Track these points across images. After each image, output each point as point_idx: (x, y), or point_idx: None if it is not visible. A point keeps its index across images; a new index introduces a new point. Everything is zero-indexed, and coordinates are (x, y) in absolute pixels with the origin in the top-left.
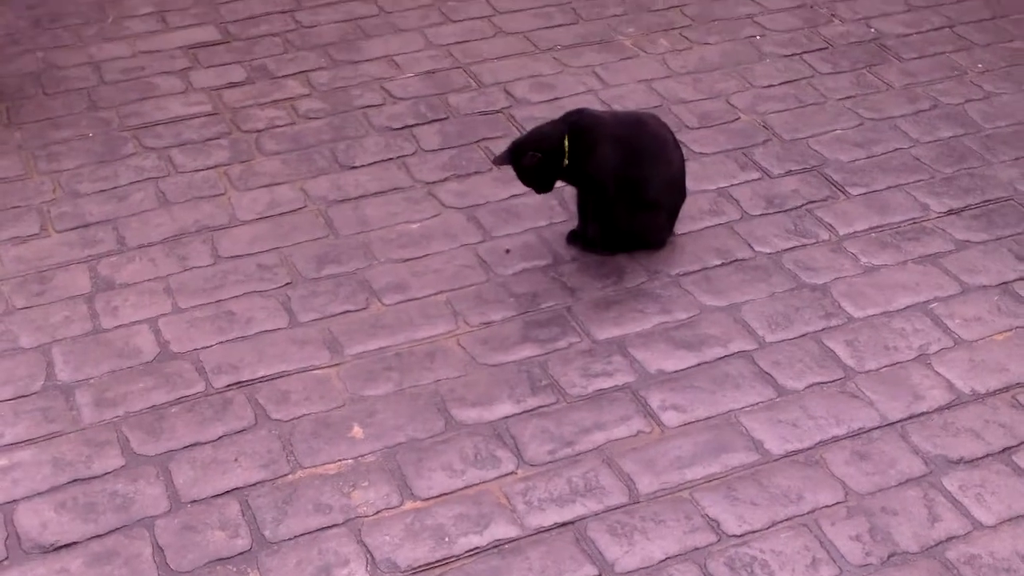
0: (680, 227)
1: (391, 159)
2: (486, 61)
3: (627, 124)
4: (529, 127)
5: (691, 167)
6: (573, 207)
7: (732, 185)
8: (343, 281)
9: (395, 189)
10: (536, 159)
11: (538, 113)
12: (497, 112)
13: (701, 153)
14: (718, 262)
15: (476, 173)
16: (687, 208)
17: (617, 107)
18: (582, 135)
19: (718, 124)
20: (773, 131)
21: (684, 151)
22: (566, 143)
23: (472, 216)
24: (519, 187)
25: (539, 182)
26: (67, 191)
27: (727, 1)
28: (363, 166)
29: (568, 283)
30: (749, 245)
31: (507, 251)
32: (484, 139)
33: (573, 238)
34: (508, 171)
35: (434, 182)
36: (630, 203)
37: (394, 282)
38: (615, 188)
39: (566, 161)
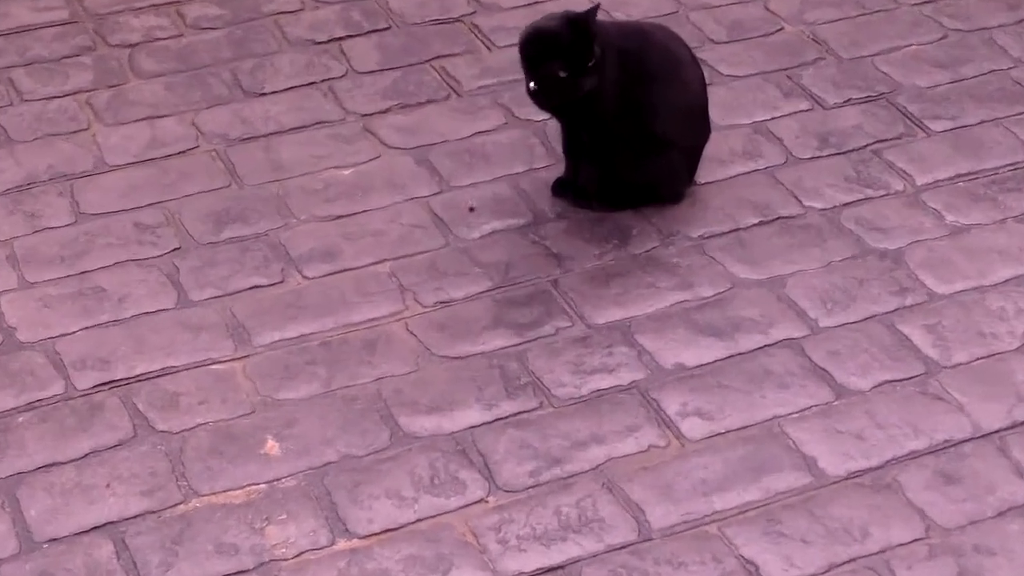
0: (703, 173)
1: (313, 83)
2: None
3: (630, 36)
4: (500, 40)
5: (717, 94)
6: (559, 147)
7: (773, 118)
8: (250, 246)
9: (319, 123)
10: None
11: (511, 21)
12: (456, 20)
13: (731, 76)
14: (755, 220)
15: (429, 102)
16: (712, 148)
17: (618, 16)
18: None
19: (754, 37)
20: (827, 46)
21: (708, 73)
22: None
23: (423, 159)
24: (486, 120)
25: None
26: None
27: None
28: (275, 92)
29: (554, 249)
30: (796, 198)
31: (471, 207)
32: (438, 57)
33: (561, 188)
34: (472, 99)
35: (372, 114)
36: (636, 141)
37: (319, 248)
38: (617, 119)
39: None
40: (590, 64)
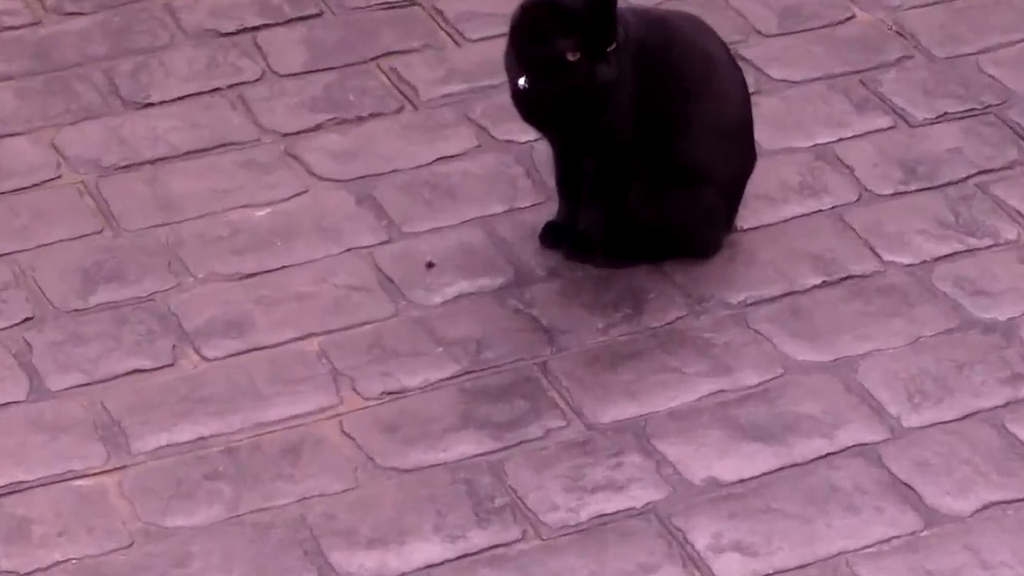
0: (746, 216)
1: (217, 90)
2: None
3: (651, 27)
4: (472, 31)
5: (766, 106)
6: (550, 179)
7: (841, 140)
8: (129, 315)
9: (224, 146)
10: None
11: (487, 5)
12: (412, 3)
13: (785, 81)
14: (816, 281)
15: (374, 117)
16: (758, 181)
17: (639, 1)
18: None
19: (816, 27)
20: (915, 41)
21: (754, 77)
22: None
23: (366, 196)
24: (452, 141)
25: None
26: None
27: None
28: (165, 103)
29: (543, 319)
30: (872, 250)
31: (430, 263)
32: (388, 54)
33: (553, 236)
34: (432, 112)
35: (296, 133)
36: (656, 171)
37: (223, 317)
38: (631, 140)
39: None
40: (610, 48)
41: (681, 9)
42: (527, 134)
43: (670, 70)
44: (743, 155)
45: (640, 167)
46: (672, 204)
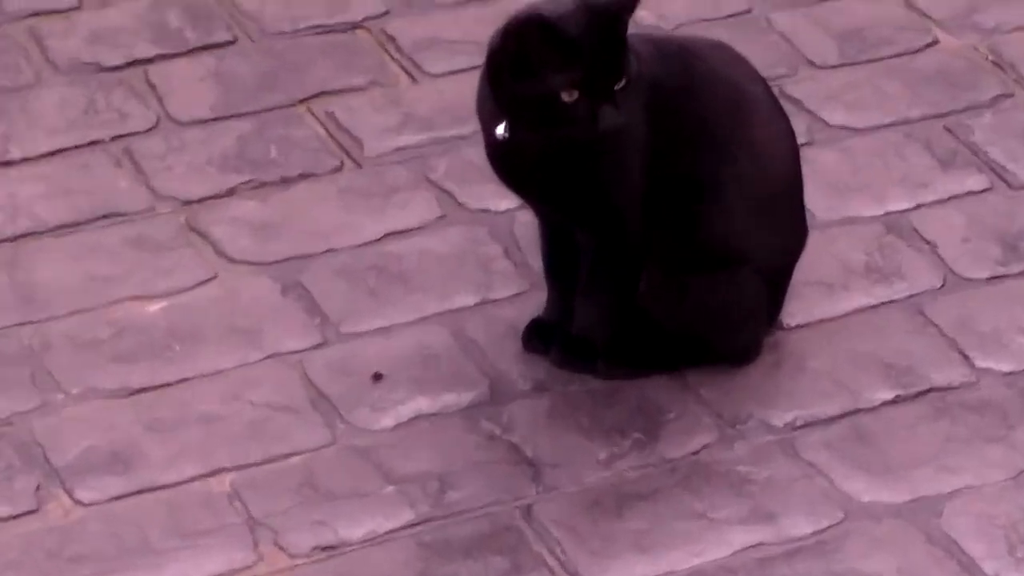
0: (794, 308)
1: (97, 144)
2: None
3: (668, 60)
4: (433, 63)
5: (820, 161)
6: (536, 260)
7: (921, 206)
8: None
9: (107, 218)
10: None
11: (452, 30)
12: (355, 27)
13: (846, 128)
14: (886, 395)
15: (305, 178)
16: (811, 262)
17: (660, 28)
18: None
19: (887, 57)
20: (1017, 74)
21: (805, 123)
22: None
23: (293, 283)
24: (407, 209)
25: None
26: None
27: None
28: (28, 160)
29: (526, 448)
30: (962, 353)
31: (377, 375)
32: (323, 94)
33: (539, 337)
34: (381, 171)
35: (201, 200)
36: (677, 251)
37: (105, 448)
38: (643, 208)
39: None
40: (619, 86)
41: (707, 35)
42: (506, 200)
43: (694, 117)
44: (790, 229)
45: (655, 246)
46: (697, 294)
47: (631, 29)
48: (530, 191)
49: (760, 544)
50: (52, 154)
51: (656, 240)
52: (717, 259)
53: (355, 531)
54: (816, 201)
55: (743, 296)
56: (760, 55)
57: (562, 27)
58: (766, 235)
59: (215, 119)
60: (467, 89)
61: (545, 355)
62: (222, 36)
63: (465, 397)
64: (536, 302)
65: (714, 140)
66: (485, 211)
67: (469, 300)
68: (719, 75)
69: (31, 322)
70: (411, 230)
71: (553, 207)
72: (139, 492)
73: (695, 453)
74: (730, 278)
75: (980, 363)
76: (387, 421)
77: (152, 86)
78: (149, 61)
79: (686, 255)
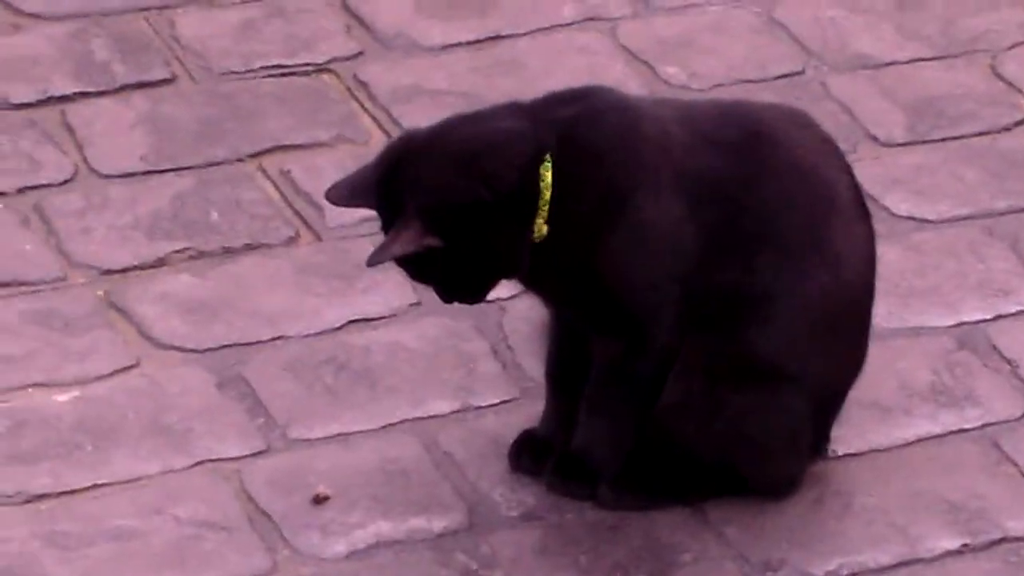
0: (846, 433)
1: (2, 196)
2: None
3: (720, 137)
4: (405, 116)
5: (883, 258)
6: (530, 360)
7: (1001, 317)
8: None
9: (6, 286)
10: (421, 244)
11: (430, 80)
12: (319, 69)
13: (914, 219)
14: (951, 543)
15: (252, 249)
16: (868, 380)
17: (691, 90)
18: (597, 161)
19: (967, 136)
20: None
21: (880, 217)
22: (547, 176)
23: (232, 377)
24: (373, 293)
25: (463, 277)
26: None
27: None
28: None
29: None
30: None
31: (318, 496)
32: (277, 148)
33: (531, 455)
34: (345, 245)
35: (125, 270)
36: (711, 360)
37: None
38: (674, 317)
39: (541, 227)
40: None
41: (749, 100)
42: (497, 287)
43: (756, 215)
44: (851, 349)
45: (688, 351)
46: (732, 412)
47: (659, 90)
48: (542, 288)
49: None
50: None
51: (690, 345)
52: (760, 373)
53: None
54: (875, 307)
55: (785, 419)
56: (834, 128)
57: (443, 174)
58: (822, 354)
59: (146, 172)
60: None
61: (537, 477)
62: (158, 73)
63: (437, 523)
64: (527, 413)
65: (779, 244)
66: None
67: (446, 407)
68: (795, 161)
69: None
70: (379, 318)
71: (569, 309)
72: None
73: None
74: (772, 397)
75: None
76: (340, 547)
77: (71, 129)
78: (68, 99)
79: (720, 365)
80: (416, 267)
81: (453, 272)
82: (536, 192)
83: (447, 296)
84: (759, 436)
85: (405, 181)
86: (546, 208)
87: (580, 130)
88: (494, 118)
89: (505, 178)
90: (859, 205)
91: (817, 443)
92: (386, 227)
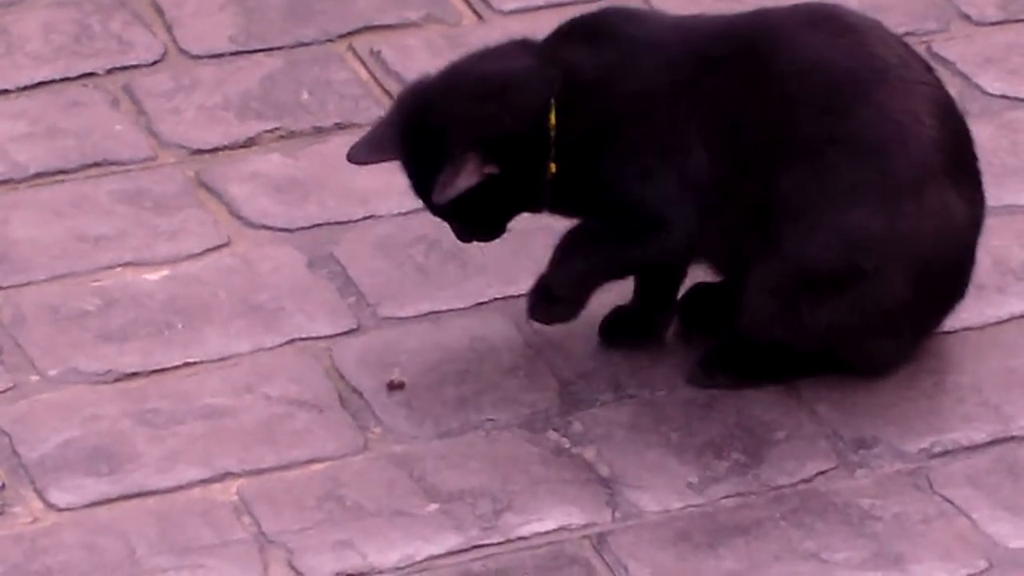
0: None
1: (90, 76)
2: None
3: (714, 53)
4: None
5: (975, 136)
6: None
7: None
8: None
9: (97, 166)
10: (482, 173)
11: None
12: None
13: (1006, 97)
14: None
15: (342, 128)
16: (984, 272)
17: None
18: (594, 101)
19: None
20: None
21: (953, 90)
22: (551, 117)
23: (324, 256)
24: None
25: (494, 211)
26: None
27: None
28: (5, 94)
29: (600, 467)
30: None
31: (392, 383)
32: (366, 28)
33: (621, 331)
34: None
35: (214, 150)
36: (781, 284)
37: (85, 441)
38: (695, 227)
39: (550, 167)
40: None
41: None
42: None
43: (757, 128)
44: (933, 218)
45: (750, 280)
46: (818, 322)
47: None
48: (564, 214)
49: None
50: (34, 87)
51: (752, 272)
52: (830, 282)
53: (388, 556)
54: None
55: (878, 309)
56: (904, 6)
57: (461, 123)
58: (896, 237)
59: (235, 53)
60: (542, 31)
61: (630, 350)
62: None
63: (528, 401)
64: (618, 290)
65: (792, 151)
66: None
67: (524, 279)
68: (797, 64)
69: (2, 288)
70: None
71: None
72: (125, 497)
73: (807, 481)
74: (857, 296)
75: None
76: (430, 426)
77: (160, 10)
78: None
79: (789, 285)
80: (457, 203)
81: (488, 205)
82: (547, 133)
83: (468, 233)
84: (853, 334)
85: (444, 121)
86: (551, 147)
87: (581, 75)
88: (507, 57)
89: (533, 112)
90: (913, 73)
91: (917, 330)
92: (418, 173)
